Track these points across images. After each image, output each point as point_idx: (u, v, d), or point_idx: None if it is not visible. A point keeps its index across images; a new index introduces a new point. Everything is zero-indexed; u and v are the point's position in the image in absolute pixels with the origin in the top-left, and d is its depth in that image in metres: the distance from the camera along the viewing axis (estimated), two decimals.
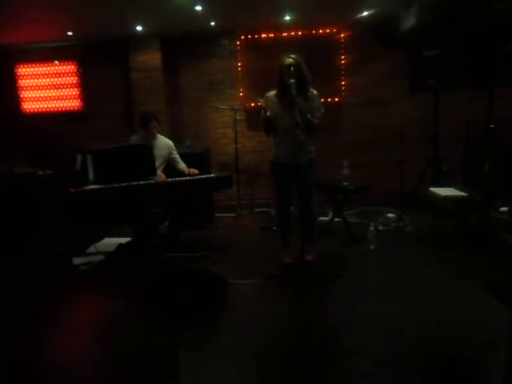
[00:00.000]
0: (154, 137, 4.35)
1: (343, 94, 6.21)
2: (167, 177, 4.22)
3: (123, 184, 3.68)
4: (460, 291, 3.25)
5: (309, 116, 3.43)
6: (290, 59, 3.44)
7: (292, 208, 3.89)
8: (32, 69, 6.50)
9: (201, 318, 3.03)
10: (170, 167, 4.46)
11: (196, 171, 4.32)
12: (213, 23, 5.59)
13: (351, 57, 6.11)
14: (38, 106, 6.60)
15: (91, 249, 4.52)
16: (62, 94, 6.55)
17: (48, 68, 6.49)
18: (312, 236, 3.79)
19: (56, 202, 4.18)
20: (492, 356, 2.48)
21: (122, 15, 5.09)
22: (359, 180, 4.76)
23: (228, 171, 5.76)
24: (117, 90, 6.49)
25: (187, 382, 2.42)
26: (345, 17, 5.61)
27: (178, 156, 4.50)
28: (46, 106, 6.59)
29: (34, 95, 6.58)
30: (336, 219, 4.82)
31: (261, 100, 3.65)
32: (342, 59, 6.13)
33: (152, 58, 6.15)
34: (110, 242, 4.68)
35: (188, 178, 4.15)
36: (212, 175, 4.27)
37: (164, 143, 4.45)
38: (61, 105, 6.57)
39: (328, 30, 6.05)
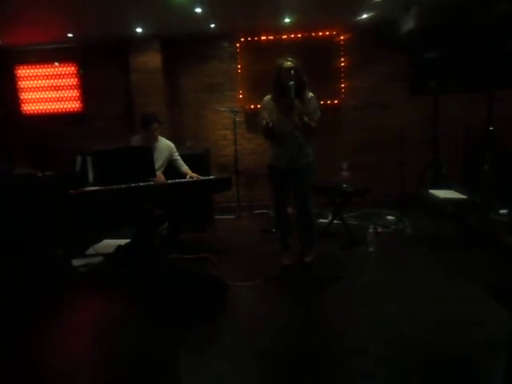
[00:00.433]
0: (156, 139, 4.34)
1: (343, 96, 6.22)
2: (167, 179, 4.21)
3: (122, 185, 3.68)
4: (459, 292, 3.25)
5: (306, 119, 3.41)
6: (289, 62, 3.44)
7: (290, 210, 3.89)
8: (32, 70, 6.49)
9: (201, 320, 3.03)
10: (170, 169, 4.44)
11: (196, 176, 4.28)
12: (213, 25, 5.59)
13: (351, 59, 6.12)
14: (37, 108, 6.60)
15: (90, 250, 4.51)
16: (61, 95, 6.54)
17: (48, 69, 6.48)
18: (311, 238, 3.79)
19: (55, 204, 4.18)
20: (492, 356, 2.48)
21: (122, 17, 5.09)
22: (359, 182, 4.76)
23: (227, 173, 5.76)
24: (117, 92, 6.49)
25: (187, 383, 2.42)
26: (344, 19, 5.62)
27: (179, 158, 4.47)
28: (45, 107, 6.58)
29: (33, 97, 6.57)
30: (335, 221, 4.82)
31: (265, 114, 3.54)
32: (342, 61, 6.13)
33: (152, 59, 6.15)
34: (109, 244, 4.67)
35: (187, 179, 4.15)
36: (211, 177, 4.27)
37: (165, 145, 4.44)
38: (61, 106, 6.57)
39: (328, 33, 6.06)
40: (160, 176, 4.20)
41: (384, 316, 2.97)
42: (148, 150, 3.92)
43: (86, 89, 6.51)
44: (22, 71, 6.51)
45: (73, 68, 6.48)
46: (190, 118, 6.53)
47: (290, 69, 3.42)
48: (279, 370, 2.45)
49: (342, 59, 6.13)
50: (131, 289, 3.51)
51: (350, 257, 4.18)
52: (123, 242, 4.55)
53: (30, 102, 6.59)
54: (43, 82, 6.51)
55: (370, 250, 4.26)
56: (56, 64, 6.46)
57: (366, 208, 5.65)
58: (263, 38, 6.14)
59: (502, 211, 4.76)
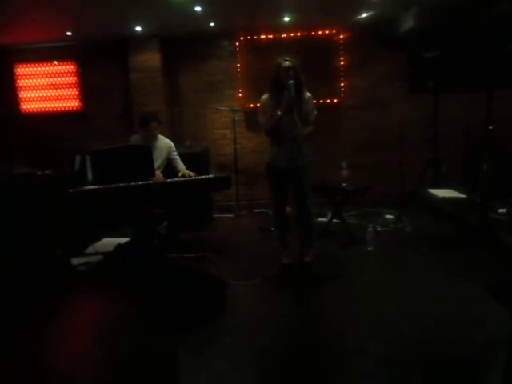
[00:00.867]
0: (155, 138, 4.33)
1: (342, 95, 6.21)
2: (165, 177, 4.20)
3: (121, 184, 3.67)
4: (459, 292, 3.26)
5: (299, 124, 3.43)
6: (288, 62, 3.44)
7: (289, 208, 3.89)
8: (31, 69, 6.47)
9: (200, 319, 3.03)
10: (168, 168, 4.44)
11: (192, 174, 4.27)
12: (212, 24, 5.59)
13: (350, 58, 6.11)
14: (36, 106, 6.58)
15: (90, 249, 4.51)
16: (61, 94, 6.52)
17: (47, 68, 6.46)
18: (310, 237, 3.78)
19: (55, 203, 4.18)
20: (492, 356, 2.48)
21: (122, 16, 5.08)
22: (358, 181, 4.76)
23: (227, 172, 5.76)
24: (116, 91, 6.48)
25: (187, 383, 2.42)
26: (344, 18, 5.61)
27: (177, 157, 4.47)
28: (44, 106, 6.57)
29: (32, 95, 6.55)
30: (335, 220, 4.82)
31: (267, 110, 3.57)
32: (341, 60, 6.12)
33: (151, 58, 6.14)
34: (109, 243, 4.67)
35: (187, 178, 4.15)
36: (211, 176, 4.26)
37: (164, 144, 4.43)
38: (60, 105, 6.55)
39: (327, 32, 6.05)
40: (159, 175, 4.20)
41: (384, 315, 2.97)
42: (147, 149, 3.91)
43: (86, 88, 6.50)
44: (21, 69, 6.49)
45: (72, 66, 6.46)
46: (189, 117, 6.52)
47: (288, 68, 3.41)
48: (279, 370, 2.45)
49: (342, 58, 6.12)
50: (131, 288, 3.51)
51: (349, 256, 4.18)
52: (123, 240, 4.55)
53: (29, 101, 6.58)
54: (42, 80, 6.49)
55: (370, 249, 4.26)
56: (55, 62, 6.44)
57: (366, 207, 5.66)
58: (263, 36, 6.12)
59: (501, 210, 4.77)
